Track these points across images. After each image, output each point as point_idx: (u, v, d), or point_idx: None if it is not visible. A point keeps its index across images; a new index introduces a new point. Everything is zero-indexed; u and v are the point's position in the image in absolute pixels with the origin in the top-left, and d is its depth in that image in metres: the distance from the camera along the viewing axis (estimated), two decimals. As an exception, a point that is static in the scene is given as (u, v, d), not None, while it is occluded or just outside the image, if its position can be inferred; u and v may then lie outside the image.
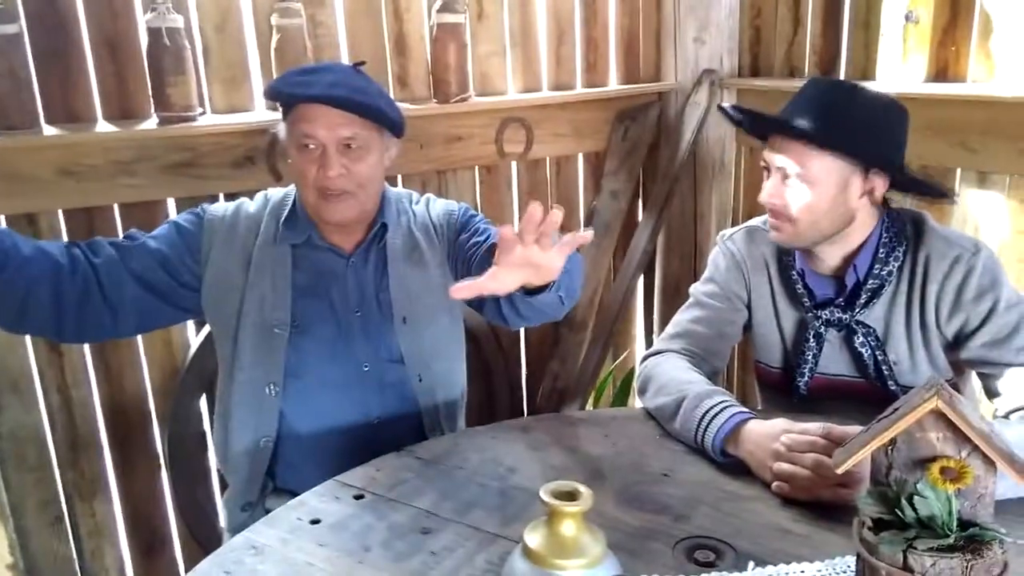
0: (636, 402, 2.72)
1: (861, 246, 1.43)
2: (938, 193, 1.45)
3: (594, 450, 1.36)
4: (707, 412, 1.29)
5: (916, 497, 0.81)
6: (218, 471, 1.89)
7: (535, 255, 1.08)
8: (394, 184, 2.19)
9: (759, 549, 1.06)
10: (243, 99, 2.04)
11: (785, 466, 1.16)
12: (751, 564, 1.02)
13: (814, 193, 1.37)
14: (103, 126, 1.88)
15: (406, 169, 2.23)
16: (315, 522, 1.17)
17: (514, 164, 2.46)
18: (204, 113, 1.98)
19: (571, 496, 0.84)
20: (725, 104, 1.52)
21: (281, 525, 1.16)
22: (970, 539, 0.81)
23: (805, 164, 1.36)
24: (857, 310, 1.44)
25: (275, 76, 1.93)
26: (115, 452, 2.07)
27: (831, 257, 1.46)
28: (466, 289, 1.11)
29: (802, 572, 1.01)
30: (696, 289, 1.62)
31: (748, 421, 1.25)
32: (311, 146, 1.44)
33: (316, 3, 2.06)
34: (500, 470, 1.30)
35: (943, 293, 1.39)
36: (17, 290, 1.30)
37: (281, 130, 1.52)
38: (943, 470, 0.81)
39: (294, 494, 1.29)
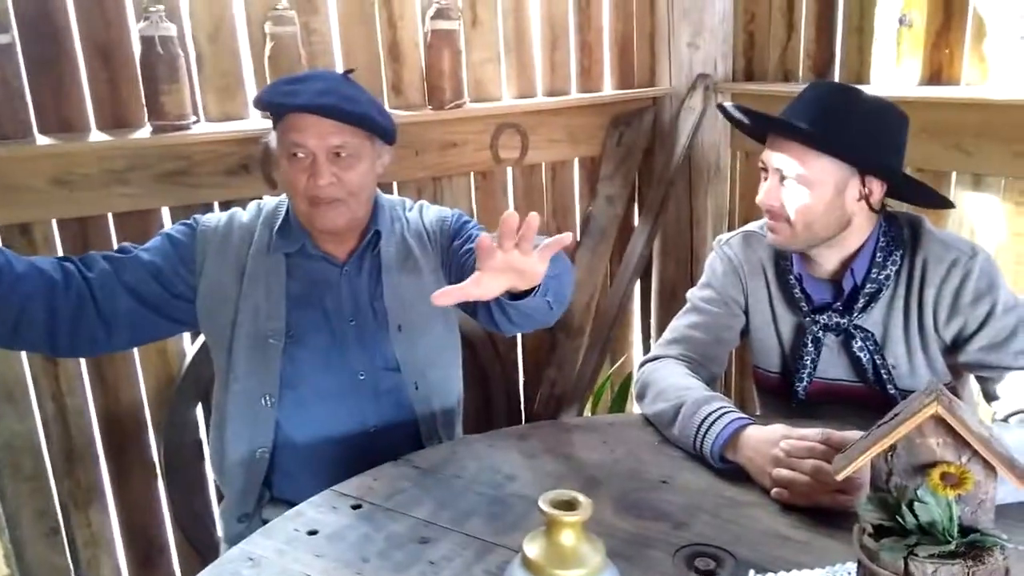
0: (634, 407, 2.72)
1: (858, 250, 1.43)
2: (937, 200, 1.45)
3: (592, 457, 1.35)
4: (706, 418, 1.29)
5: (916, 503, 0.81)
6: (214, 481, 1.88)
7: (516, 260, 1.09)
8: (389, 191, 2.19)
9: (759, 556, 1.06)
10: (237, 107, 2.03)
11: (784, 472, 1.16)
12: (751, 572, 1.01)
13: (811, 195, 1.37)
14: (96, 135, 1.87)
15: (401, 176, 2.22)
16: (312, 533, 1.16)
17: (509, 170, 2.46)
18: (198, 121, 1.98)
19: (570, 505, 0.83)
20: (727, 103, 1.51)
21: (278, 536, 1.16)
22: (971, 545, 0.80)
23: (803, 165, 1.36)
24: (855, 314, 1.43)
25: (269, 84, 1.92)
26: (111, 461, 2.06)
27: (828, 261, 1.46)
28: (448, 295, 1.12)
29: (803, 579, 1.00)
30: (693, 294, 1.61)
31: (747, 427, 1.25)
32: (300, 155, 1.43)
33: (310, 11, 2.05)
34: (498, 478, 1.29)
35: (941, 297, 1.39)
36: (11, 307, 1.29)
37: (272, 139, 1.52)
38: (943, 476, 0.81)
39: (291, 504, 1.28)
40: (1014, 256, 1.91)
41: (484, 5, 2.29)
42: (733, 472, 1.26)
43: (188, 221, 1.54)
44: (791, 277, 1.50)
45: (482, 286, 1.11)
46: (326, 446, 1.52)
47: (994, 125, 1.87)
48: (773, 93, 2.30)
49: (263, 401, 1.49)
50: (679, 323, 1.59)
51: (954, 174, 2.01)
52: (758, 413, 1.65)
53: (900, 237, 1.44)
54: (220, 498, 1.68)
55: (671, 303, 2.69)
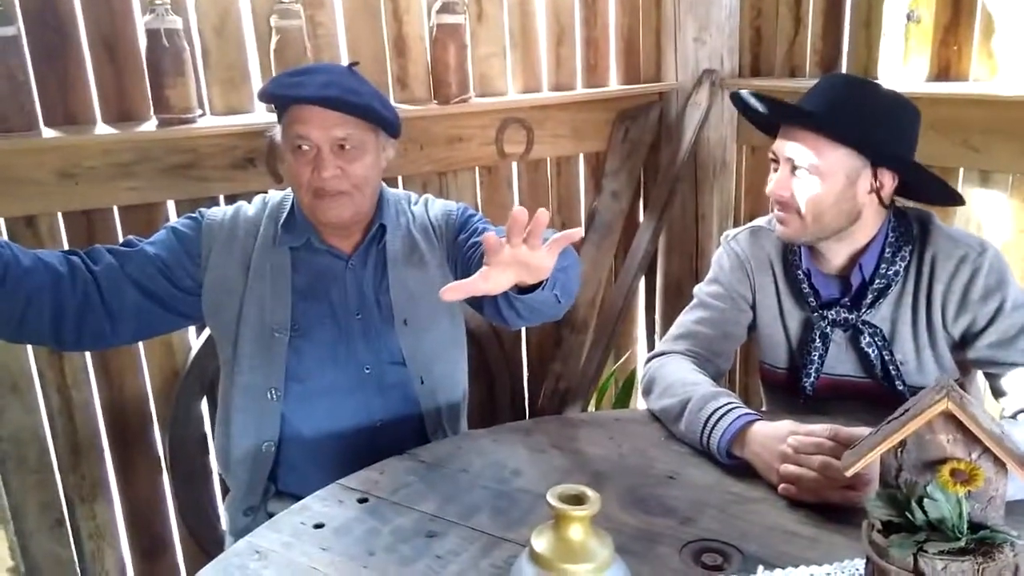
0: (638, 403, 2.73)
1: (867, 245, 1.43)
2: (948, 195, 1.44)
3: (598, 452, 1.35)
4: (712, 414, 1.28)
5: (926, 499, 0.81)
6: (219, 475, 1.88)
7: (524, 255, 1.09)
8: (395, 185, 2.19)
9: (766, 552, 1.06)
10: (242, 101, 2.03)
11: (792, 468, 1.16)
12: (760, 567, 1.01)
13: (822, 185, 1.36)
14: (102, 128, 1.87)
15: (406, 170, 2.22)
16: (319, 526, 1.16)
17: (514, 165, 2.45)
18: (203, 115, 1.97)
19: (578, 500, 0.83)
20: (742, 91, 1.49)
21: (285, 529, 1.16)
22: (981, 542, 0.80)
23: (817, 154, 1.35)
24: (863, 310, 1.43)
25: (273, 77, 1.92)
26: (116, 454, 2.06)
27: (837, 256, 1.46)
28: (457, 290, 1.11)
29: (811, 575, 1.00)
30: (700, 290, 1.61)
31: (754, 423, 1.25)
32: (305, 147, 1.43)
33: (315, 4, 2.05)
34: (504, 473, 1.29)
35: (950, 293, 1.38)
36: (16, 301, 1.29)
37: (277, 133, 1.52)
38: (953, 472, 0.80)
39: (296, 498, 1.28)
40: (1021, 252, 1.90)
41: (490, -1, 2.29)
42: (740, 468, 1.25)
43: (193, 215, 1.54)
44: (799, 272, 1.49)
45: (490, 281, 1.11)
46: (331, 440, 1.52)
47: (1002, 121, 1.86)
48: (780, 88, 2.29)
49: (269, 395, 1.49)
50: (686, 318, 1.58)
51: (962, 170, 2.00)
52: (764, 409, 1.65)
53: (909, 232, 1.43)
54: (224, 491, 1.68)
55: (676, 299, 2.68)
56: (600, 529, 0.85)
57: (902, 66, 2.09)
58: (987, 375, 1.42)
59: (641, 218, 2.68)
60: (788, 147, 1.38)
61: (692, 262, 2.69)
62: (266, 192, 1.63)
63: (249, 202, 1.59)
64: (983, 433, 0.80)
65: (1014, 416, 1.31)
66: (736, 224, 2.61)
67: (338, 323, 1.52)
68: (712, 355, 1.53)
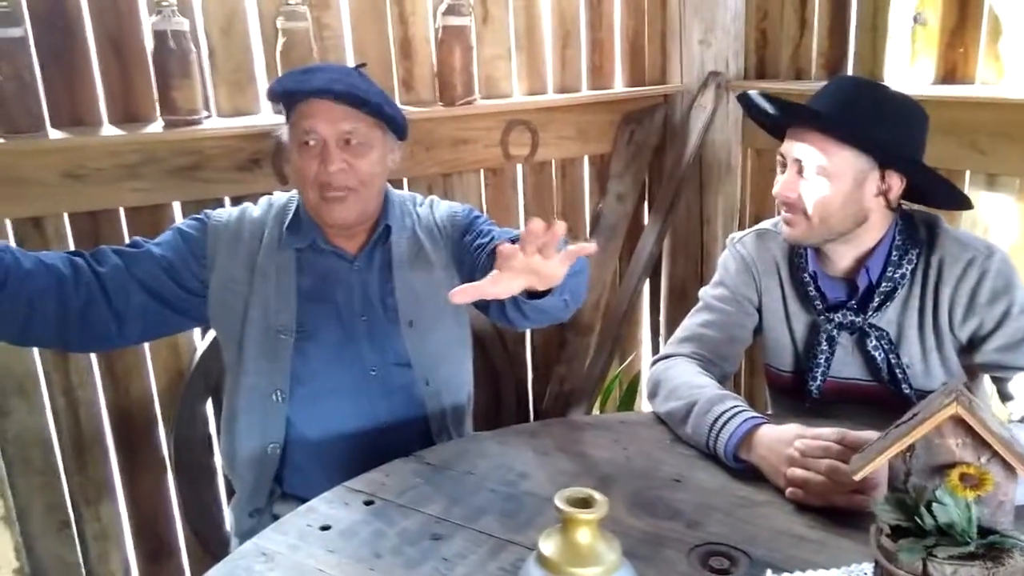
0: (642, 405, 2.73)
1: (874, 248, 1.43)
2: (956, 198, 1.43)
3: (604, 455, 1.35)
4: (719, 417, 1.28)
5: (935, 504, 0.80)
6: (224, 476, 1.88)
7: (537, 263, 1.07)
8: (400, 187, 2.19)
9: (774, 556, 1.06)
10: (248, 102, 2.03)
11: (799, 472, 1.15)
12: (768, 571, 1.01)
13: (830, 187, 1.36)
14: (108, 129, 1.87)
15: (412, 172, 2.22)
16: (325, 528, 1.16)
17: (519, 167, 2.45)
18: (209, 116, 1.97)
19: (586, 503, 0.83)
20: (751, 91, 1.49)
21: (291, 531, 1.16)
22: (990, 546, 0.80)
23: (825, 156, 1.35)
24: (870, 313, 1.43)
25: (280, 75, 1.92)
26: (121, 456, 2.06)
27: (843, 259, 1.46)
28: (465, 293, 1.10)
29: (818, 579, 1.00)
30: (706, 292, 1.61)
31: (761, 426, 1.24)
32: (311, 142, 1.43)
33: (322, 6, 2.05)
34: (510, 476, 1.29)
35: (957, 296, 1.38)
36: (19, 305, 1.29)
37: (284, 134, 1.52)
38: (963, 476, 0.80)
39: (302, 499, 1.28)
40: (1028, 256, 1.90)
41: (496, 1, 2.28)
42: (747, 471, 1.25)
43: (199, 216, 1.54)
44: (805, 275, 1.49)
45: (499, 285, 1.10)
46: (337, 442, 1.51)
47: (1009, 124, 1.86)
48: (785, 91, 2.29)
49: (274, 397, 1.49)
50: (692, 321, 1.58)
51: (968, 173, 2.00)
52: (769, 412, 1.64)
53: (916, 236, 1.43)
54: (230, 493, 1.68)
55: (681, 301, 2.68)
56: (608, 532, 0.85)
57: (908, 68, 2.08)
58: (994, 379, 1.41)
59: (646, 220, 2.68)
60: (796, 148, 1.38)
61: (697, 265, 2.68)
62: (271, 194, 1.63)
63: (255, 204, 1.59)
64: (993, 437, 0.79)
65: (1022, 420, 1.31)
66: (741, 227, 2.61)
67: (343, 325, 1.51)
68: (718, 358, 1.53)
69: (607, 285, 2.62)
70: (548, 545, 0.83)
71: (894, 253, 1.41)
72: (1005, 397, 1.38)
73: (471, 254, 1.51)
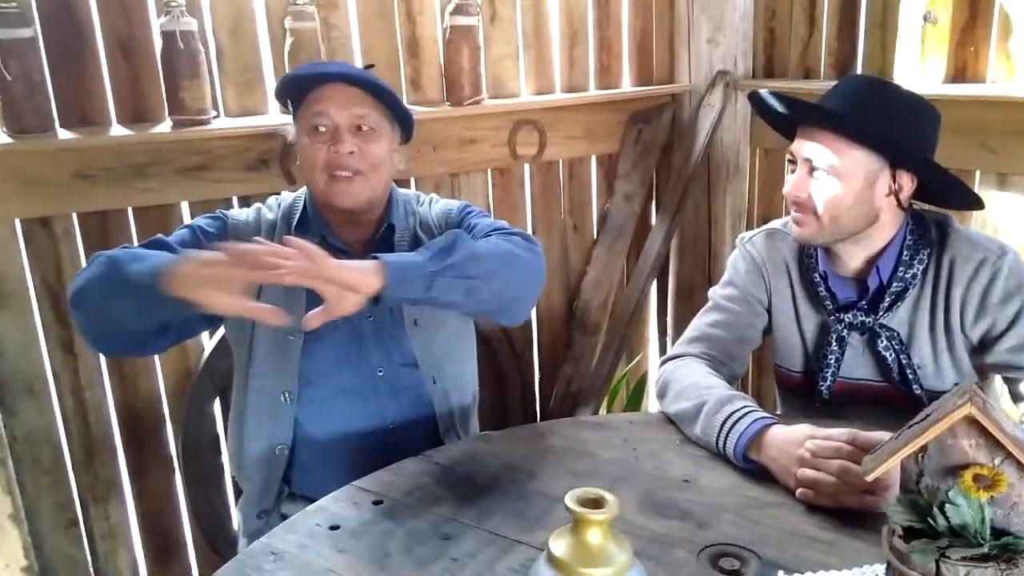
0: (649, 406, 2.72)
1: (885, 248, 1.42)
2: (967, 198, 1.42)
3: (613, 455, 1.35)
4: (728, 417, 1.28)
5: (948, 505, 0.80)
6: (232, 476, 1.88)
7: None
8: (407, 186, 2.19)
9: (784, 557, 1.05)
10: (256, 102, 2.03)
11: (810, 472, 1.15)
12: (779, 572, 1.00)
13: (841, 186, 1.35)
14: (117, 130, 1.87)
15: (419, 172, 2.22)
16: (334, 528, 1.16)
17: (527, 167, 2.45)
18: (218, 116, 1.98)
19: (596, 503, 0.82)
20: (762, 90, 1.48)
21: (300, 531, 1.16)
22: (1004, 548, 0.79)
23: (836, 155, 1.34)
24: (880, 313, 1.42)
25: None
26: (129, 455, 2.07)
27: (854, 258, 1.45)
28: (316, 318, 1.17)
29: (829, 580, 0.99)
30: (715, 292, 1.60)
31: (771, 427, 1.24)
32: (322, 128, 1.43)
33: (329, 6, 2.05)
34: (519, 475, 1.29)
35: (968, 296, 1.37)
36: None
37: (291, 132, 1.52)
38: (976, 478, 0.80)
39: (310, 500, 1.28)
40: (1039, 256, 1.89)
41: (503, 1, 2.28)
42: (757, 472, 1.24)
43: (216, 214, 1.54)
44: (815, 275, 1.48)
45: (330, 304, 1.17)
46: (345, 442, 1.51)
47: (1020, 123, 1.85)
48: (794, 90, 2.27)
49: (282, 398, 1.49)
50: (701, 321, 1.57)
51: (978, 173, 1.98)
52: (778, 412, 1.63)
53: (927, 235, 1.42)
54: (237, 493, 1.68)
55: (688, 301, 2.67)
56: (619, 533, 0.85)
57: (918, 67, 2.07)
58: (1006, 379, 1.41)
59: (653, 220, 2.67)
60: (807, 147, 1.37)
61: (704, 265, 2.68)
62: (279, 194, 1.63)
63: (264, 203, 1.59)
64: (1006, 438, 0.79)
65: (1033, 421, 1.30)
66: (749, 227, 2.60)
67: (351, 325, 1.51)
68: (727, 358, 1.52)
69: (614, 285, 2.62)
70: (559, 545, 0.83)
71: (905, 253, 1.41)
72: (1017, 397, 1.37)
73: None
